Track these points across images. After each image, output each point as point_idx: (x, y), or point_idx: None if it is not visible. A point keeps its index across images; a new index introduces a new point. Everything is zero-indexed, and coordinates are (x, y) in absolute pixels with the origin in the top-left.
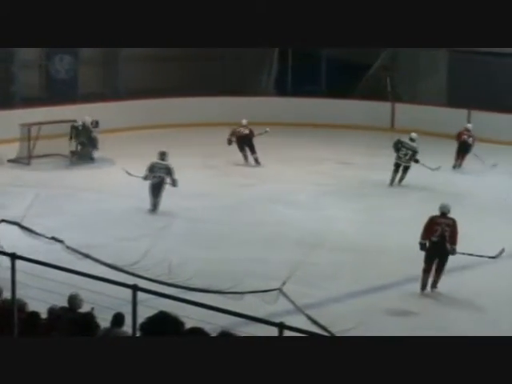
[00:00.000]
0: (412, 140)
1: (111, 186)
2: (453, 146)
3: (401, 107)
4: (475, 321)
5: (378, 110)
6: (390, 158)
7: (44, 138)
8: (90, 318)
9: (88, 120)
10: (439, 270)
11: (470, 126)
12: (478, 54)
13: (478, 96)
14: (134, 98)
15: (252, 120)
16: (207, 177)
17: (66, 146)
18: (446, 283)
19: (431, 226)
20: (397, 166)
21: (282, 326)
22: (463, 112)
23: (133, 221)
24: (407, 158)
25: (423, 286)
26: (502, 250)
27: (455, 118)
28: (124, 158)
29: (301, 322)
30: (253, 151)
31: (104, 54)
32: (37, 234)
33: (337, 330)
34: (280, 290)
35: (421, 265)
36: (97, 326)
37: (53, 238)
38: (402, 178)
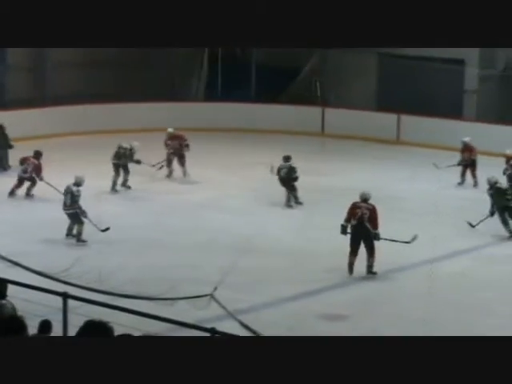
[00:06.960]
0: None
1: (38, 192)
2: (383, 150)
3: (330, 112)
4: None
5: (308, 114)
6: (321, 163)
7: None
8: (17, 322)
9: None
10: (369, 253)
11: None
12: (407, 58)
13: (407, 100)
14: (60, 104)
15: (181, 126)
16: (137, 183)
17: None
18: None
19: (353, 210)
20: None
21: (213, 332)
22: (393, 116)
23: (63, 228)
24: None
25: (350, 269)
26: (415, 236)
27: (384, 122)
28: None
29: (233, 328)
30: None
31: (32, 59)
32: None
33: (268, 335)
34: (211, 295)
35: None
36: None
37: None
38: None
